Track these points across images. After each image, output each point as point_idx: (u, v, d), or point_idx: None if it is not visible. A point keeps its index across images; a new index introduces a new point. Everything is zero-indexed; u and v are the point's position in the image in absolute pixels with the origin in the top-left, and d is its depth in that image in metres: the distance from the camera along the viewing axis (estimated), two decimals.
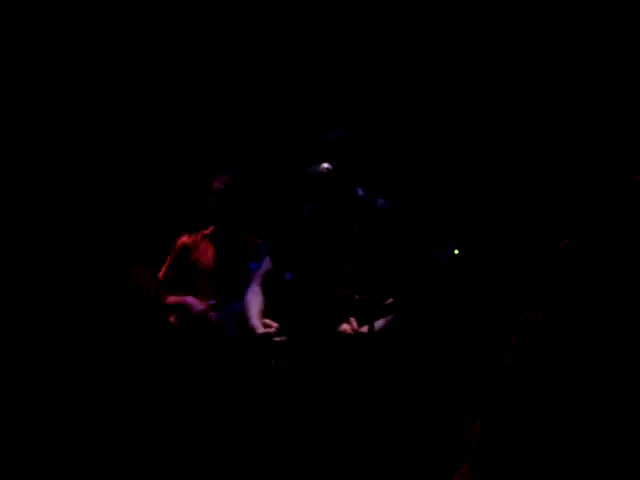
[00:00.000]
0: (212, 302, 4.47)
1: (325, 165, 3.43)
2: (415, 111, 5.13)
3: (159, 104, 5.45)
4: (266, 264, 3.78)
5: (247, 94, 5.40)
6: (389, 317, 3.44)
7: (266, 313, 3.63)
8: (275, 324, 3.52)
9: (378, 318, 3.41)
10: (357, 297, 3.43)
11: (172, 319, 4.60)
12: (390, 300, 3.44)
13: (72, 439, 4.58)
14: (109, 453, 4.47)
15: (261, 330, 3.53)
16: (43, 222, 5.24)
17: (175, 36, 5.32)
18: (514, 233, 4.98)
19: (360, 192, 3.61)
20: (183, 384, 4.44)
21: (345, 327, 3.38)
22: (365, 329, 3.37)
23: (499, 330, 4.26)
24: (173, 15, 5.30)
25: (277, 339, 3.48)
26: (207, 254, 4.60)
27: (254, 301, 3.68)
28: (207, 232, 4.65)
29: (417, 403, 4.27)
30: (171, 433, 4.42)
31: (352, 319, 3.38)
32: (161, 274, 4.67)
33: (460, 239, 4.54)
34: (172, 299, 4.60)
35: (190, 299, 4.52)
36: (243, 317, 3.65)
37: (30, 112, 5.25)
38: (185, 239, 4.66)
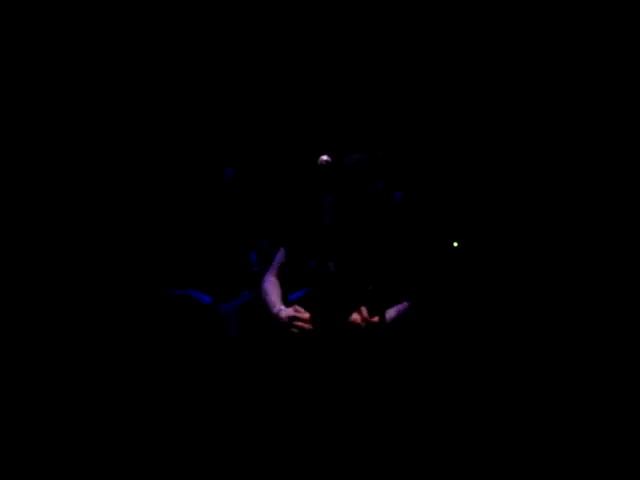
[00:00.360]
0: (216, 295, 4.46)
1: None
2: (425, 108, 5.18)
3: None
4: (281, 256, 3.70)
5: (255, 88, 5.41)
6: (401, 307, 3.40)
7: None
8: (304, 312, 3.43)
9: (388, 308, 3.37)
10: (370, 288, 3.38)
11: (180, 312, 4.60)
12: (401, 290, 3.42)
13: (76, 432, 4.52)
14: (110, 448, 4.40)
15: (291, 313, 3.43)
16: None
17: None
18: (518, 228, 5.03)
19: (380, 185, 3.54)
20: (186, 380, 4.41)
21: (355, 317, 3.32)
22: (376, 319, 3.32)
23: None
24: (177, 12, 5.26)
25: (304, 325, 3.38)
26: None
27: (273, 289, 3.60)
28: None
29: (425, 398, 4.40)
30: (174, 428, 4.36)
31: (363, 308, 3.32)
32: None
33: (461, 232, 4.89)
34: (178, 292, 4.55)
35: (197, 292, 4.50)
36: (263, 304, 3.55)
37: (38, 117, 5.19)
38: None
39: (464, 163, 5.17)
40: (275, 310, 3.46)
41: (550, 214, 4.87)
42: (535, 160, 4.98)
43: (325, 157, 3.36)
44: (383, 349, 3.41)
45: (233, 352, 4.22)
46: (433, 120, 5.14)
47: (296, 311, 3.40)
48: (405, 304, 3.43)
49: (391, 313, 3.38)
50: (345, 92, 5.21)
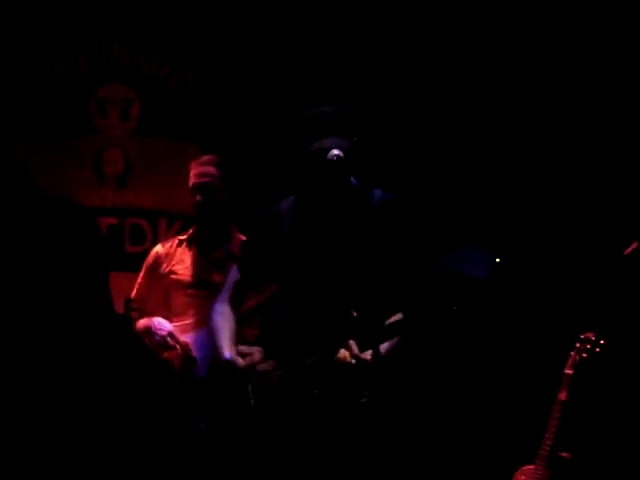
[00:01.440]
0: (185, 322, 3.87)
1: (335, 152, 2.78)
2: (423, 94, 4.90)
3: None
4: (234, 274, 3.16)
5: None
6: (395, 339, 2.86)
7: (239, 338, 3.10)
8: (257, 351, 2.98)
9: (383, 340, 2.82)
10: (355, 314, 2.82)
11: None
12: (396, 317, 2.87)
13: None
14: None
15: (239, 362, 2.95)
16: None
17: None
18: (566, 235, 4.63)
19: (354, 181, 2.99)
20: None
21: (344, 353, 2.81)
22: (368, 355, 2.79)
23: (547, 357, 4.20)
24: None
25: (260, 370, 2.93)
26: (184, 263, 3.98)
27: (223, 324, 3.08)
28: (183, 237, 4.05)
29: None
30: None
31: (351, 342, 2.79)
32: (133, 293, 4.08)
33: (495, 245, 4.41)
34: (141, 323, 3.98)
35: (155, 320, 3.88)
36: (211, 342, 3.09)
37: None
38: (158, 249, 4.07)
39: (464, 151, 4.82)
40: (225, 357, 2.98)
41: (614, 217, 4.51)
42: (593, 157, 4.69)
43: (336, 151, 2.79)
44: (378, 392, 2.88)
45: (201, 401, 3.61)
46: (424, 98, 4.86)
47: (242, 355, 2.96)
48: (402, 336, 2.89)
49: (385, 345, 2.82)
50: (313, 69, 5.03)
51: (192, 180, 3.93)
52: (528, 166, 4.77)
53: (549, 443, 3.71)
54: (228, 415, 3.01)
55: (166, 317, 3.94)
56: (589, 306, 4.08)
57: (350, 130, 2.86)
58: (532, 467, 3.74)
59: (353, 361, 2.78)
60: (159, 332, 3.81)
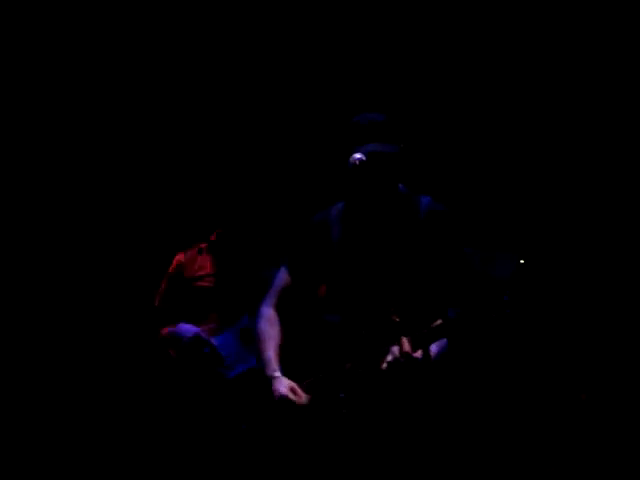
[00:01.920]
0: (205, 327, 3.93)
1: (357, 155, 2.80)
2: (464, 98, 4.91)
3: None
4: (282, 277, 3.11)
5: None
6: (442, 341, 2.83)
7: (285, 348, 3.04)
8: (303, 396, 2.90)
9: (432, 341, 2.77)
10: (397, 319, 2.81)
11: (172, 352, 4.06)
12: (439, 321, 2.81)
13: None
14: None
15: (283, 391, 2.90)
16: None
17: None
18: (596, 236, 4.68)
19: (401, 188, 2.99)
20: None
21: (395, 350, 2.74)
22: (419, 354, 2.73)
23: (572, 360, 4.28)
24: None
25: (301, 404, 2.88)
26: (205, 269, 4.04)
27: (269, 333, 3.04)
28: (204, 244, 4.10)
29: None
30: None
31: (404, 339, 2.73)
32: (157, 301, 4.12)
33: (523, 246, 4.54)
34: (165, 330, 4.04)
35: (183, 326, 3.95)
36: (257, 352, 3.05)
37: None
38: (180, 257, 4.10)
39: (514, 159, 4.86)
40: (269, 373, 2.96)
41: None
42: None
43: (358, 155, 2.79)
44: (427, 395, 2.86)
45: (229, 401, 3.69)
46: (470, 102, 4.87)
47: (292, 390, 2.90)
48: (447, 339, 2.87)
49: (435, 346, 2.79)
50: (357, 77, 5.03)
51: None
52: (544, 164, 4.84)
53: None
54: (271, 418, 3.03)
55: (191, 323, 4.01)
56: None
57: (397, 137, 2.88)
58: None
59: (403, 359, 2.75)
60: (186, 335, 3.87)
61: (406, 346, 2.73)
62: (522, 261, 3.99)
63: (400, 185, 2.97)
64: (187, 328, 3.90)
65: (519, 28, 4.73)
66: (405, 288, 2.87)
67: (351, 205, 2.99)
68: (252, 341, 3.60)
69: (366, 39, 4.93)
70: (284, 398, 2.85)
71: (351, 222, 2.98)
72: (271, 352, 2.97)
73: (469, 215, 4.60)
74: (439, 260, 2.88)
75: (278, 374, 2.92)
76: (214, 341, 3.88)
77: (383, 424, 2.84)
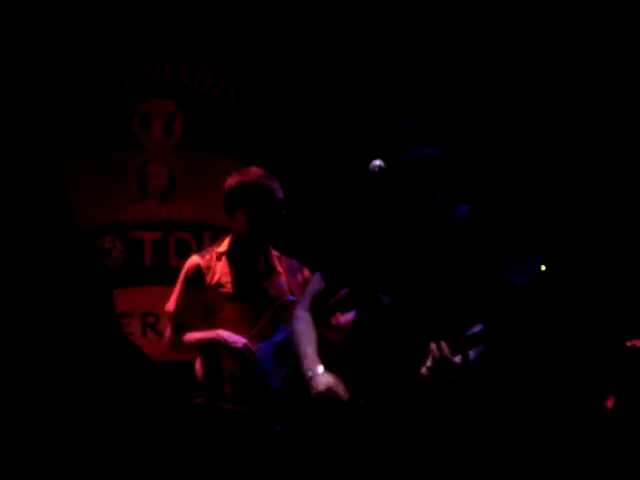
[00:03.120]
0: (252, 333, 3.77)
1: (377, 163, 2.81)
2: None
3: None
4: (316, 282, 3.10)
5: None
6: (481, 347, 2.81)
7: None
8: (342, 387, 2.87)
9: (471, 347, 2.76)
10: (435, 324, 2.82)
11: (201, 363, 3.88)
12: (478, 328, 2.81)
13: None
14: None
15: (323, 386, 2.87)
16: None
17: None
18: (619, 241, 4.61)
19: (438, 196, 2.97)
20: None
21: (434, 351, 2.72)
22: (458, 359, 2.73)
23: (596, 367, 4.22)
24: None
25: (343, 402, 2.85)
26: (229, 276, 3.84)
27: (306, 333, 3.02)
28: (222, 249, 3.89)
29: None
30: None
31: (443, 343, 2.72)
32: (171, 306, 3.89)
33: (546, 251, 4.38)
34: (196, 335, 3.82)
35: (224, 333, 3.74)
36: (295, 356, 3.02)
37: None
38: (197, 260, 3.87)
39: (549, 168, 4.80)
40: (307, 366, 2.92)
41: None
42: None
43: (378, 162, 2.81)
44: (464, 399, 2.85)
45: (274, 412, 3.63)
46: (506, 114, 4.82)
47: (334, 386, 2.86)
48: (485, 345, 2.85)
49: (473, 354, 2.78)
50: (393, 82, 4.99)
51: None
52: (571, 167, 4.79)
53: None
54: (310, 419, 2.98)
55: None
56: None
57: (438, 142, 2.88)
58: None
59: (441, 360, 2.73)
60: (235, 344, 3.71)
61: (445, 350, 2.71)
62: (543, 268, 3.98)
63: (437, 194, 2.96)
64: (232, 337, 3.73)
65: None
66: (442, 295, 2.87)
67: (388, 211, 2.96)
68: (288, 355, 3.55)
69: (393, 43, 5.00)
70: (323, 395, 2.84)
71: (391, 228, 2.96)
72: (310, 348, 2.97)
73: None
74: (478, 266, 2.86)
75: (319, 368, 2.90)
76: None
77: (419, 428, 2.83)
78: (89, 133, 5.15)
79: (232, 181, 3.79)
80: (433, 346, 2.73)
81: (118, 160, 5.19)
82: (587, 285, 4.48)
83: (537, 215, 4.77)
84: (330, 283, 3.07)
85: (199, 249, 4.86)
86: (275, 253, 3.92)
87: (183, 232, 5.22)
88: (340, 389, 2.86)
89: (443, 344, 2.72)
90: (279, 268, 3.91)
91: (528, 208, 4.79)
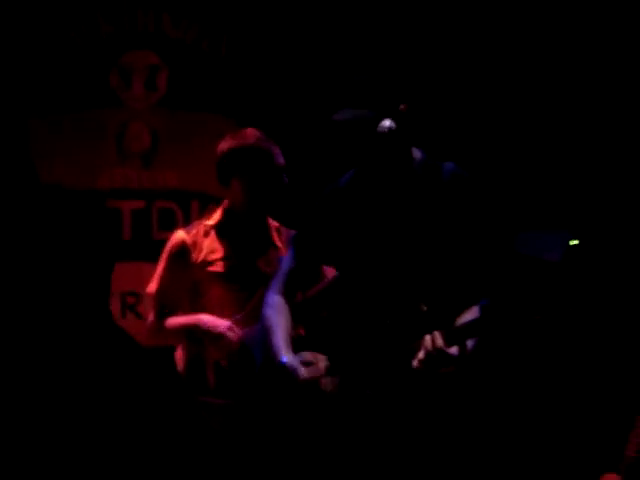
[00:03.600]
0: (238, 317, 3.50)
1: (387, 124, 2.59)
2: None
3: None
4: (288, 260, 2.92)
5: None
6: (474, 340, 2.57)
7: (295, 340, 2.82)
8: (322, 361, 2.70)
9: (471, 336, 2.53)
10: (424, 308, 2.58)
11: (182, 351, 3.63)
12: (469, 315, 2.58)
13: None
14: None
15: (301, 372, 2.68)
16: None
17: None
18: None
19: (418, 154, 2.75)
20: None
21: (427, 342, 2.49)
22: (454, 350, 2.50)
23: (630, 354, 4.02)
24: None
25: (326, 385, 2.67)
26: (217, 252, 3.59)
27: (276, 319, 2.84)
28: (210, 222, 3.63)
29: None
30: None
31: (437, 333, 2.49)
32: (153, 288, 3.64)
33: (576, 225, 4.21)
34: (178, 320, 3.58)
35: (205, 317, 3.50)
36: (266, 346, 2.82)
37: None
38: (182, 235, 3.62)
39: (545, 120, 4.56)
40: (278, 359, 2.73)
41: None
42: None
43: (387, 122, 2.61)
44: (462, 396, 2.65)
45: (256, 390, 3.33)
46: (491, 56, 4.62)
47: (306, 364, 2.71)
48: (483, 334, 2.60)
49: (471, 344, 2.56)
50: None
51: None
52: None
53: (635, 449, 3.37)
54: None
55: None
56: None
57: (392, 98, 2.65)
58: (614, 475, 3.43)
59: (434, 352, 2.50)
60: (217, 328, 3.46)
61: (439, 341, 2.49)
62: (575, 242, 3.91)
63: (418, 151, 2.75)
64: (216, 320, 3.48)
65: None
66: (431, 269, 2.66)
67: (364, 174, 2.76)
68: None
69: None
70: (308, 381, 2.69)
71: (366, 193, 2.76)
72: (280, 340, 2.79)
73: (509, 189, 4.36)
74: (466, 235, 2.64)
75: (287, 358, 2.73)
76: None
77: (409, 423, 2.66)
78: (61, 88, 4.77)
79: (227, 145, 3.55)
80: (427, 337, 2.51)
81: (94, 119, 4.82)
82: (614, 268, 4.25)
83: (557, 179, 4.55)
84: (304, 259, 2.89)
85: (186, 220, 4.69)
86: (274, 224, 3.67)
87: (167, 201, 4.88)
88: (320, 369, 2.73)
89: (437, 334, 2.50)
90: (278, 242, 3.64)
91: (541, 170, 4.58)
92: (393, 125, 2.60)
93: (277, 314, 2.84)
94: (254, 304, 3.46)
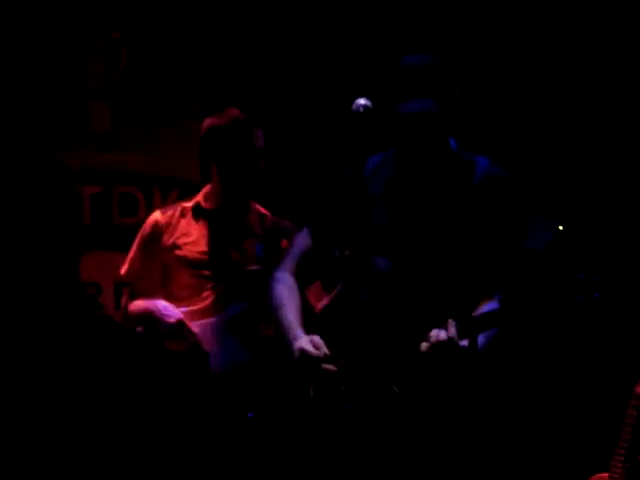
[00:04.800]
0: (184, 309, 3.47)
1: (362, 102, 2.56)
2: None
3: None
4: (303, 239, 2.85)
5: None
6: (491, 331, 2.58)
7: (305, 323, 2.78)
8: (324, 350, 2.63)
9: (485, 328, 2.52)
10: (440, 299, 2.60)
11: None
12: (488, 307, 2.57)
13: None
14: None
15: (311, 350, 2.62)
16: None
17: None
18: None
19: (453, 145, 2.71)
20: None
21: (438, 335, 2.47)
22: (465, 342, 2.49)
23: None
24: None
25: (328, 368, 2.60)
26: (190, 236, 3.56)
27: (289, 297, 2.78)
28: (188, 204, 3.60)
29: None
30: None
31: (451, 323, 2.47)
32: (123, 270, 3.64)
33: (563, 214, 4.12)
34: (137, 305, 3.56)
35: (160, 304, 3.47)
36: (275, 320, 2.78)
37: None
38: (156, 216, 3.61)
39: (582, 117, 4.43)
40: (290, 337, 2.67)
41: None
42: None
43: (362, 101, 2.56)
44: (470, 388, 2.62)
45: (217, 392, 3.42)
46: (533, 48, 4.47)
47: (315, 347, 2.63)
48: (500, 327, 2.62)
49: (482, 339, 2.54)
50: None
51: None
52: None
53: (626, 446, 3.40)
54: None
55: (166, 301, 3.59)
56: None
57: (448, 84, 2.63)
58: (606, 475, 3.46)
59: (448, 345, 2.48)
60: (166, 319, 3.45)
61: (452, 331, 2.47)
62: (560, 227, 3.86)
63: (452, 141, 2.72)
64: (168, 310, 3.46)
65: None
66: (450, 262, 2.66)
67: (395, 159, 2.75)
68: (244, 333, 3.45)
69: None
70: (305, 353, 2.63)
71: (394, 179, 2.74)
72: (292, 315, 2.75)
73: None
74: (494, 231, 2.65)
75: (302, 335, 2.69)
76: (196, 328, 3.48)
77: (415, 416, 2.65)
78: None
79: (204, 125, 3.56)
80: (439, 328, 2.51)
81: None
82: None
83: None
84: (320, 240, 2.82)
85: (148, 206, 4.61)
86: (259, 211, 3.64)
87: (129, 185, 4.73)
88: (321, 347, 2.65)
89: (451, 323, 2.48)
90: (258, 230, 3.61)
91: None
92: (369, 103, 2.55)
93: (288, 291, 2.78)
94: (217, 293, 3.47)
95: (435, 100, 2.56)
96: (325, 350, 2.62)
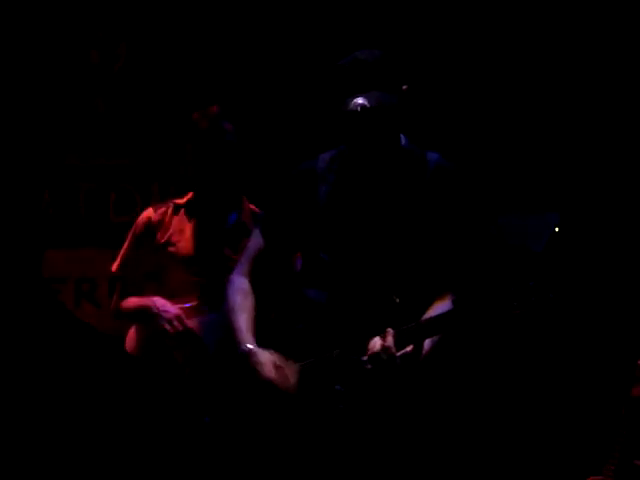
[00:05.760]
0: (188, 305, 3.48)
1: (360, 101, 2.50)
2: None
3: None
4: (256, 240, 2.83)
5: None
6: (439, 337, 2.56)
7: (259, 320, 2.76)
8: (292, 373, 2.61)
9: (427, 336, 2.50)
10: (397, 300, 2.56)
11: (135, 332, 3.61)
12: (439, 309, 2.55)
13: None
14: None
15: (268, 374, 2.61)
16: None
17: None
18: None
19: (403, 141, 2.68)
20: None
21: (376, 344, 2.47)
22: (409, 349, 2.47)
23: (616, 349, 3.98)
24: None
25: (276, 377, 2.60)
26: (183, 233, 3.57)
27: (241, 302, 2.76)
28: (181, 201, 3.61)
29: None
30: None
31: (389, 331, 2.46)
32: (115, 266, 3.64)
33: (560, 211, 4.07)
34: (132, 302, 3.56)
35: (158, 301, 3.48)
36: (228, 329, 2.76)
37: None
38: (149, 214, 3.61)
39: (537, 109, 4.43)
40: (242, 347, 2.67)
41: None
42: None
43: (360, 100, 2.50)
44: (412, 398, 2.59)
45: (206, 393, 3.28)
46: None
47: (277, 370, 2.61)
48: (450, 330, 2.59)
49: (429, 342, 2.54)
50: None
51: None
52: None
53: (619, 448, 3.36)
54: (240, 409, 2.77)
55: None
56: None
57: (396, 79, 2.60)
58: (600, 479, 3.40)
59: (385, 355, 2.46)
60: (164, 315, 3.46)
61: (389, 340, 2.46)
62: (557, 229, 3.82)
63: (403, 137, 2.69)
64: (165, 306, 3.47)
65: None
66: (405, 261, 2.63)
67: (345, 158, 2.72)
68: None
69: None
70: (269, 382, 2.62)
71: (343, 176, 2.72)
72: (242, 323, 2.73)
73: (490, 171, 4.29)
74: (446, 229, 2.63)
75: (252, 346, 2.68)
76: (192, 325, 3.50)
77: (376, 422, 2.61)
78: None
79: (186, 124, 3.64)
80: (376, 338, 2.50)
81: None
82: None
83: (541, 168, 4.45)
84: (271, 239, 2.80)
85: (144, 203, 4.56)
86: (253, 210, 3.64)
87: (125, 183, 4.75)
88: (284, 373, 2.65)
89: (389, 332, 2.47)
90: (252, 228, 3.57)
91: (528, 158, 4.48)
92: (366, 103, 2.51)
93: (241, 296, 2.76)
94: (212, 292, 3.42)
95: (381, 94, 2.52)
96: (289, 378, 2.60)
